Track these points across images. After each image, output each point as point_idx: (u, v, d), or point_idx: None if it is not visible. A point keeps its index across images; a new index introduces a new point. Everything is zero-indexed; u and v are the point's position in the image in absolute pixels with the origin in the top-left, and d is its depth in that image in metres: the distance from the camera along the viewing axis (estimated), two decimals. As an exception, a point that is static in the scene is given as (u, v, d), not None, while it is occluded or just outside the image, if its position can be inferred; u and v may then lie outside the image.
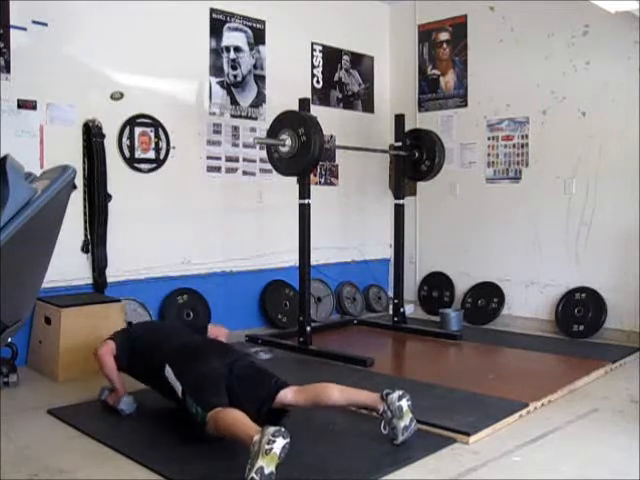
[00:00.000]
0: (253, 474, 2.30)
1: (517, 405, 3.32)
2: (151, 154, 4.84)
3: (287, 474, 2.57)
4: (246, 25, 5.44)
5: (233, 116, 5.38)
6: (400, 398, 2.84)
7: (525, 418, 3.24)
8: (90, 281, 4.55)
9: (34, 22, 4.24)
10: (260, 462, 2.31)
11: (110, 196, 4.56)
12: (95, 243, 4.50)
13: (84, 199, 4.51)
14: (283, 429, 2.38)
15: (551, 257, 5.46)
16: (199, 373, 2.94)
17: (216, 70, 5.26)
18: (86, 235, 4.53)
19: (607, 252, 5.14)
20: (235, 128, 5.38)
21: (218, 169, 5.27)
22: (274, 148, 4.49)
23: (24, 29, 4.20)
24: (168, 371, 3.04)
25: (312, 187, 4.68)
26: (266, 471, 2.30)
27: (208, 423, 2.71)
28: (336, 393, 2.96)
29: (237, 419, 2.60)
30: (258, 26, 5.52)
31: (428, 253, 6.31)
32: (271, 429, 2.36)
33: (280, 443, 2.33)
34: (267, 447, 2.31)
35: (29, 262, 2.14)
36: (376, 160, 6.27)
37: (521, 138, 5.63)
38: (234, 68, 5.37)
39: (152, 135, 4.84)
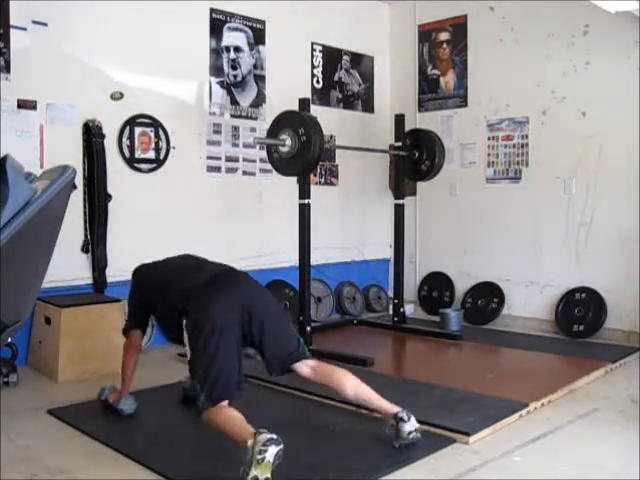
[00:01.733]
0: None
1: (517, 405, 3.32)
2: (151, 154, 4.84)
3: (287, 474, 2.57)
4: (246, 25, 5.44)
5: (233, 116, 5.38)
6: (410, 433, 2.79)
7: (525, 418, 3.24)
8: (90, 281, 4.55)
9: (34, 22, 4.24)
10: (254, 471, 2.32)
11: (110, 196, 4.56)
12: (95, 243, 4.50)
13: (84, 199, 4.51)
14: (275, 437, 2.36)
15: (551, 257, 5.46)
16: (211, 347, 2.68)
17: (216, 70, 5.26)
18: (86, 235, 4.53)
19: (607, 252, 5.14)
20: (235, 128, 5.38)
21: (218, 169, 5.27)
22: (274, 148, 4.49)
23: (24, 29, 4.20)
24: (184, 324, 2.80)
25: (312, 187, 4.67)
26: (261, 478, 2.32)
27: (204, 413, 2.65)
28: (350, 392, 2.92)
29: (232, 419, 2.57)
30: (258, 26, 5.52)
31: (428, 253, 6.31)
32: (263, 437, 2.36)
33: (272, 451, 2.34)
34: (259, 457, 2.33)
35: (29, 262, 2.14)
36: (376, 160, 6.27)
37: (521, 138, 5.63)
38: (234, 68, 5.37)
39: (152, 135, 4.84)
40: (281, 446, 2.36)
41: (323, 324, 5.57)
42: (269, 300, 3.02)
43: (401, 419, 2.80)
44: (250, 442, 2.38)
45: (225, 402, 2.64)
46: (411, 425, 2.80)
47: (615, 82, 5.06)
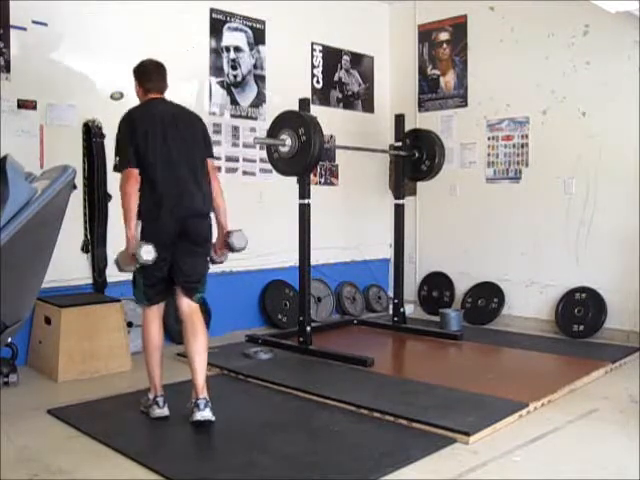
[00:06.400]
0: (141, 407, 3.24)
1: (517, 405, 3.32)
2: (151, 154, 4.84)
3: (287, 474, 2.58)
4: (246, 25, 5.44)
5: (233, 116, 5.38)
6: (196, 420, 3.09)
7: (525, 418, 3.24)
8: (90, 281, 4.55)
9: (34, 22, 4.24)
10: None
11: (110, 196, 4.55)
12: (95, 243, 4.50)
13: (84, 199, 4.51)
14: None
15: (551, 257, 5.46)
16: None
17: (216, 70, 5.26)
18: (86, 235, 4.53)
19: (607, 252, 5.14)
20: (235, 128, 5.38)
21: (218, 169, 5.24)
22: (274, 148, 4.49)
23: (24, 29, 4.20)
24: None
25: (312, 187, 4.67)
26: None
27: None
28: (191, 351, 3.16)
29: (152, 363, 3.20)
30: (258, 26, 5.52)
31: (428, 253, 6.31)
32: (156, 412, 3.16)
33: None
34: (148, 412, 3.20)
35: (29, 262, 2.14)
36: (376, 160, 6.27)
37: (521, 138, 5.63)
38: (234, 68, 5.37)
39: (152, 135, 4.83)
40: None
41: (323, 324, 5.57)
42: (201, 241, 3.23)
43: (197, 405, 3.09)
44: (152, 395, 3.19)
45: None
46: (201, 415, 3.07)
47: (615, 82, 5.06)
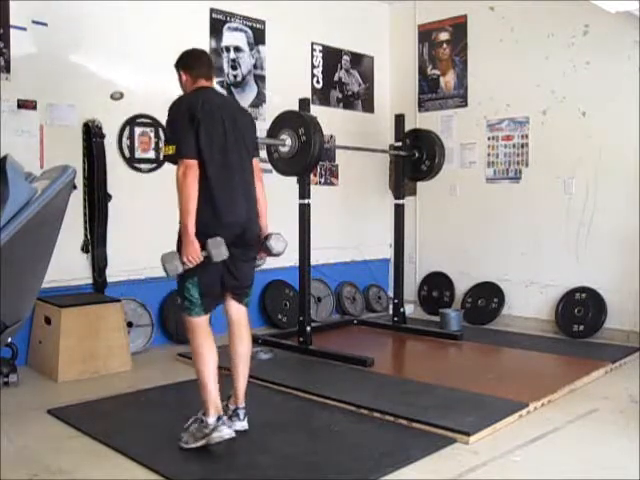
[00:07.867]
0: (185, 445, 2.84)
1: (517, 405, 3.32)
2: (151, 154, 4.84)
3: (287, 474, 2.58)
4: (246, 25, 5.44)
5: (233, 116, 5.37)
6: (235, 429, 2.93)
7: (525, 418, 3.24)
8: (90, 281, 4.54)
9: (34, 22, 4.24)
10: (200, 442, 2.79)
11: (110, 196, 4.56)
12: (95, 243, 4.50)
13: (84, 199, 4.51)
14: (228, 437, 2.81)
15: (551, 257, 5.46)
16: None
17: (216, 70, 5.25)
18: (86, 235, 4.53)
19: (607, 252, 5.14)
20: (235, 128, 5.38)
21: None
22: (274, 148, 4.49)
23: (24, 29, 4.20)
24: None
25: (312, 187, 4.68)
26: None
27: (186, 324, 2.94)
28: (235, 355, 3.03)
29: (210, 377, 2.83)
30: (258, 26, 5.52)
31: (428, 253, 6.31)
32: (226, 432, 2.79)
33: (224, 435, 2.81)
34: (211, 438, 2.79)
35: (29, 262, 2.14)
36: (376, 160, 6.27)
37: (521, 138, 5.63)
38: (234, 68, 5.37)
39: (152, 135, 4.84)
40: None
41: (323, 324, 5.57)
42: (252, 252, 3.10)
43: (237, 415, 3.00)
44: (212, 419, 2.79)
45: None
46: (242, 425, 2.98)
47: (615, 82, 5.06)
